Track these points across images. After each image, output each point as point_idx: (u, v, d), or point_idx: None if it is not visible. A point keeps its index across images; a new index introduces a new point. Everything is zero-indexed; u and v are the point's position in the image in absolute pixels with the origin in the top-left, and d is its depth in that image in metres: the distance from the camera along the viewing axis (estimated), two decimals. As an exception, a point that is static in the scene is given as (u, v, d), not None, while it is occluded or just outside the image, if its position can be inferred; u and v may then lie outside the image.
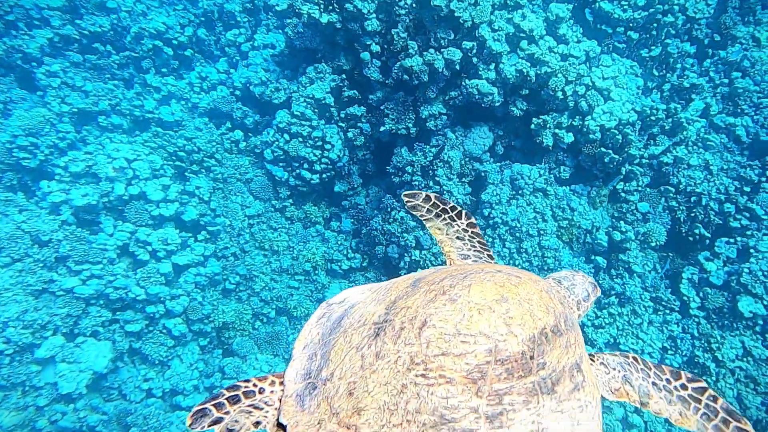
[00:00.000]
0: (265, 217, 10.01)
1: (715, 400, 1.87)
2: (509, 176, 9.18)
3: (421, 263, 9.12)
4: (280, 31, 10.26)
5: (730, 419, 1.80)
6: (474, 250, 2.56)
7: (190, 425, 1.58)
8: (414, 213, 2.72)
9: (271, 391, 1.78)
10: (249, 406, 1.70)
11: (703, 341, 8.20)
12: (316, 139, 9.55)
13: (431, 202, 2.68)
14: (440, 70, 8.86)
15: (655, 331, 8.52)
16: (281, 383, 1.78)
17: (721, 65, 9.75)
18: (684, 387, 1.94)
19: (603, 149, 8.68)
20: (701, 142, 9.25)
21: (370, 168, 10.45)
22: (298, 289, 9.88)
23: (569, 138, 8.89)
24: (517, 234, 8.82)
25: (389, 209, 9.75)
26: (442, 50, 8.89)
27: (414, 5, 8.71)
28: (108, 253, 8.00)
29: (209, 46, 10.37)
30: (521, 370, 1.53)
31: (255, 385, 1.77)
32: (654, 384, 1.96)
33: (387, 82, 9.41)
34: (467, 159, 9.58)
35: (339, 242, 10.24)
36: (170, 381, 8.57)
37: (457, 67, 8.97)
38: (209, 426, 1.59)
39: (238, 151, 10.09)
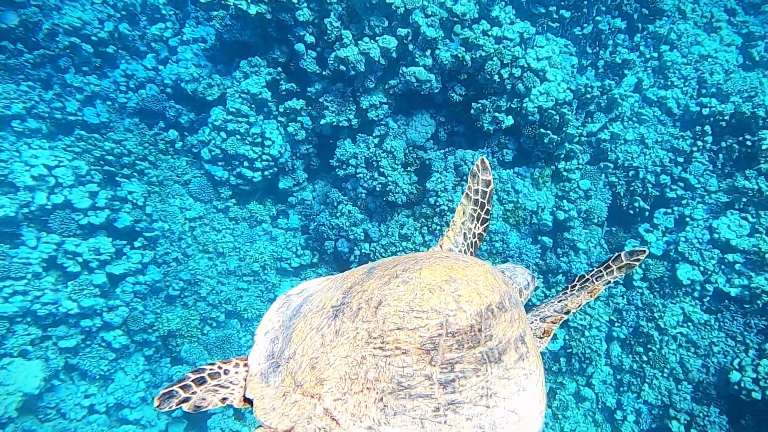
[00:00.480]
0: (208, 219, 9.65)
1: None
2: (453, 163, 9.15)
3: (371, 256, 8.99)
4: (211, 24, 9.86)
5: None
6: (460, 243, 2.71)
7: (157, 406, 1.64)
8: (469, 182, 2.75)
9: (236, 372, 1.86)
10: (215, 385, 1.78)
11: (646, 311, 8.42)
12: (255, 136, 9.25)
13: (486, 186, 2.70)
14: (376, 59, 8.72)
15: (602, 305, 8.69)
16: (245, 365, 1.87)
17: (651, 39, 10.00)
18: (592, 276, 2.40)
19: (542, 130, 8.75)
20: (636, 116, 9.48)
21: (314, 162, 10.23)
22: (247, 291, 9.59)
23: (509, 121, 8.93)
24: (464, 219, 8.80)
25: (336, 203, 9.57)
26: (377, 38, 8.75)
27: (345, -7, 8.54)
28: (32, 267, 7.50)
29: (134, 41, 9.84)
30: (470, 341, 1.66)
31: (220, 368, 1.85)
32: (564, 294, 2.41)
33: (324, 73, 9.20)
34: (411, 148, 9.49)
35: (287, 240, 9.99)
36: (114, 395, 8.16)
37: (394, 55, 8.85)
38: (177, 405, 1.65)
39: (174, 151, 9.66)
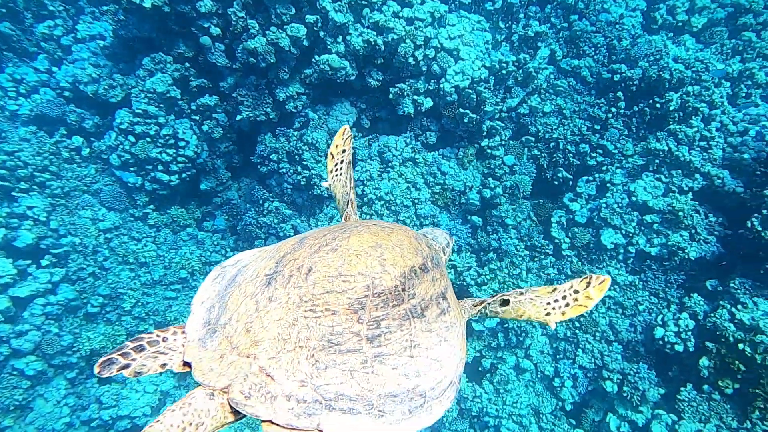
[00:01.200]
0: (125, 229, 9.11)
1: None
2: (377, 150, 9.02)
3: (302, 250, 8.75)
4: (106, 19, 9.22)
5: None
6: (345, 208, 2.83)
7: (98, 373, 1.68)
8: (331, 159, 2.92)
9: (174, 340, 1.91)
10: (154, 352, 1.83)
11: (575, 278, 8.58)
12: (167, 137, 8.77)
13: (344, 153, 2.89)
14: (287, 48, 8.41)
15: (534, 277, 8.82)
16: (183, 332, 1.93)
17: (560, 9, 10.15)
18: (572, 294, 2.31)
19: (461, 110, 8.74)
20: (552, 88, 9.62)
21: (236, 159, 9.85)
22: (176, 299, 9.16)
23: (428, 103, 8.87)
24: (393, 207, 8.71)
25: (262, 201, 9.26)
26: (285, 27, 8.44)
27: (247, -20, 8.18)
28: None
29: (20, 41, 9.07)
30: (395, 300, 1.82)
31: (158, 335, 1.91)
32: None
33: (235, 66, 8.81)
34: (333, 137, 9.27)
35: (215, 242, 9.60)
36: (34, 424, 7.61)
37: (305, 43, 8.57)
38: (117, 371, 1.69)
39: (81, 159, 9.03)
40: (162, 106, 8.77)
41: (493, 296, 2.28)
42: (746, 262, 7.59)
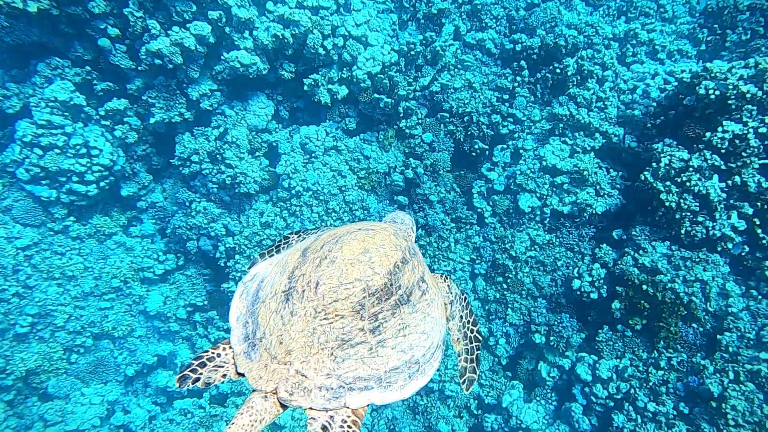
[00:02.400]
0: (45, 244, 8.78)
1: (476, 348, 2.88)
2: (299, 142, 9.11)
3: (237, 248, 8.80)
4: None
5: (472, 365, 2.84)
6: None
7: (179, 387, 2.20)
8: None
9: (225, 354, 2.37)
10: (214, 366, 2.31)
11: (499, 244, 9.18)
12: (77, 147, 8.45)
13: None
14: (193, 48, 8.28)
15: (462, 247, 9.33)
16: (230, 347, 2.39)
17: (460, -18, 10.47)
18: (472, 327, 2.91)
19: (376, 95, 8.96)
20: (460, 63, 10.00)
21: (156, 161, 9.63)
22: (112, 308, 9.05)
23: (344, 91, 9.02)
24: (321, 197, 8.88)
25: (188, 202, 9.19)
26: (189, 25, 8.29)
27: (141, -20, 7.91)
28: None
29: None
30: (386, 295, 2.28)
31: (213, 352, 2.37)
32: (460, 316, 2.92)
33: (141, 68, 8.56)
34: (254, 132, 9.28)
35: (145, 247, 9.45)
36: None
37: (212, 40, 8.46)
38: (192, 384, 2.19)
39: (-18, 177, 8.56)
40: (67, 114, 8.41)
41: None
42: (644, 210, 8.39)
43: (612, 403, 7.72)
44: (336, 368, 2.18)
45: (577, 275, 8.42)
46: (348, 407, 2.18)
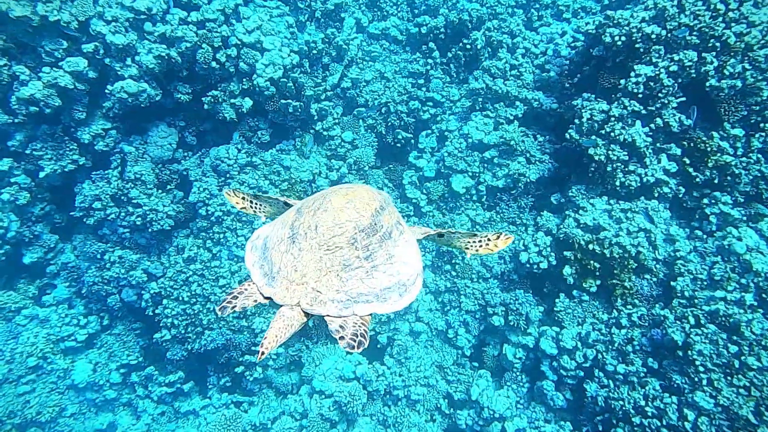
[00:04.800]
0: (-55, 335, 7.85)
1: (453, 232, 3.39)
2: (210, 165, 8.48)
3: (163, 292, 8.08)
4: None
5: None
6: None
7: (221, 314, 2.71)
8: (242, 209, 3.67)
9: (251, 288, 2.84)
10: (244, 297, 2.80)
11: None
12: (-39, 220, 7.57)
13: (242, 198, 3.64)
14: (71, 86, 7.55)
15: (403, 242, 8.87)
16: (252, 283, 2.86)
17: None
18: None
19: (283, 101, 8.42)
20: (367, 55, 9.58)
21: (58, 219, 8.78)
22: (33, 391, 8.13)
23: (248, 103, 8.45)
24: (244, 218, 8.27)
25: (100, 254, 8.40)
26: (62, 64, 7.54)
27: (-7, 23, 7.13)
28: None
29: None
30: (372, 231, 2.78)
31: (241, 288, 2.85)
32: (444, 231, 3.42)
33: (18, 120, 7.74)
34: (160, 165, 8.58)
35: (62, 314, 8.59)
36: None
37: (91, 74, 7.74)
38: (231, 311, 2.71)
39: None
40: (-59, 187, 7.52)
41: (434, 230, 3.32)
42: (577, 169, 8.16)
43: (582, 373, 7.42)
44: (342, 286, 2.67)
45: (523, 247, 8.10)
46: (356, 314, 2.69)
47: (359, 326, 2.67)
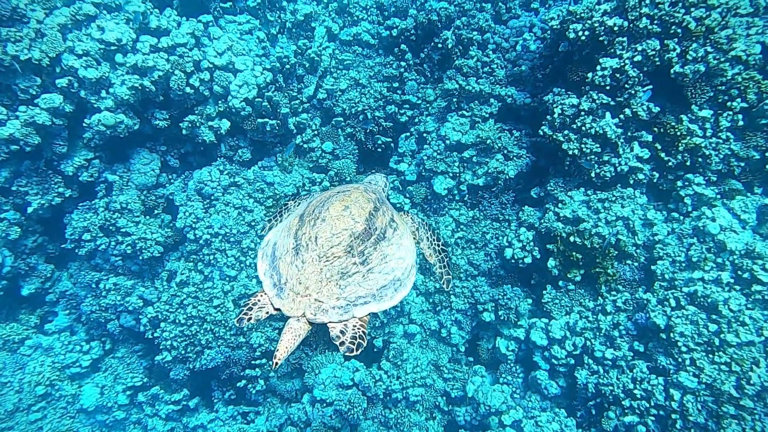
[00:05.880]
0: (-48, 377, 8.04)
1: (445, 256, 4.24)
2: (194, 188, 8.60)
3: (159, 316, 8.25)
4: None
5: (446, 269, 4.23)
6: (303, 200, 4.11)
7: (239, 325, 3.09)
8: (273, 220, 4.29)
9: (263, 299, 3.24)
10: (258, 309, 3.19)
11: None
12: (-46, 264, 7.72)
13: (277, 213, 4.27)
14: (48, 123, 7.65)
15: (391, 246, 9.03)
16: (264, 295, 3.26)
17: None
18: (437, 242, 4.32)
19: (260, 120, 8.53)
20: (340, 64, 9.66)
21: (52, 249, 8.94)
22: (45, 418, 8.37)
23: (225, 125, 8.56)
24: (232, 238, 8.42)
25: (96, 282, 8.56)
26: (38, 101, 7.65)
27: (-35, 68, 7.22)
28: None
29: None
30: (367, 236, 3.17)
31: (255, 299, 3.26)
32: (426, 237, 4.24)
33: (0, 158, 7.86)
34: (146, 191, 8.71)
35: (65, 342, 8.78)
36: None
37: (68, 108, 7.85)
38: (248, 322, 3.11)
39: None
40: (-68, 233, 7.67)
41: (421, 252, 3.91)
42: (554, 162, 8.30)
43: (573, 361, 7.64)
44: (342, 293, 3.02)
45: (507, 244, 8.28)
46: (355, 317, 3.05)
47: (358, 328, 3.03)
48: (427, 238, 4.19)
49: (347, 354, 2.90)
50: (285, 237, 3.33)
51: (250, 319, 3.14)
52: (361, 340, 3.01)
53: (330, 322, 3.03)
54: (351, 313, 3.03)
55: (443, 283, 4.12)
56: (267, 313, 3.16)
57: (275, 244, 3.41)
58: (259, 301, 3.25)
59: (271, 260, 3.32)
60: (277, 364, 2.90)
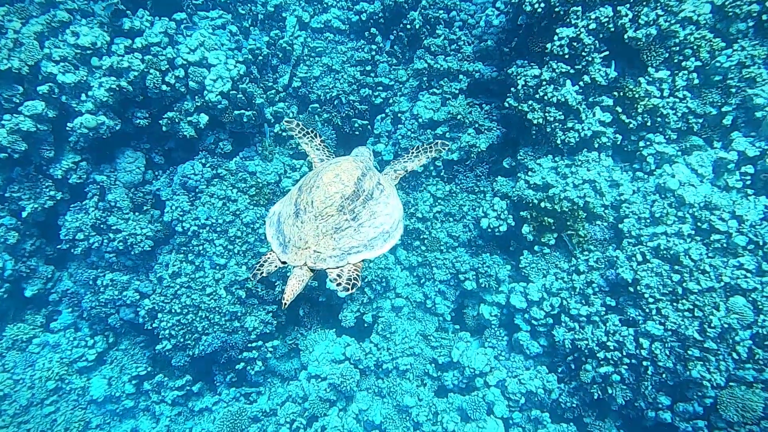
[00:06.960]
0: (-35, 377, 8.48)
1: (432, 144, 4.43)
2: (179, 183, 8.93)
3: (156, 307, 8.64)
4: None
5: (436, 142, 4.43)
6: (325, 155, 4.46)
7: (253, 280, 3.69)
8: (294, 135, 4.53)
9: (272, 256, 3.68)
10: (269, 264, 3.66)
11: (405, 211, 9.27)
12: (-44, 270, 8.10)
13: (301, 128, 4.50)
14: (33, 129, 7.96)
15: (373, 225, 9.37)
16: (272, 252, 3.67)
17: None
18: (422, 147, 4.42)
19: (237, 112, 8.81)
20: (313, 51, 9.90)
21: (50, 250, 9.31)
22: (58, 410, 8.83)
23: (204, 119, 8.83)
24: (219, 229, 8.77)
25: (94, 280, 8.95)
26: (21, 108, 7.94)
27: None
28: None
29: None
30: (356, 196, 3.49)
31: (266, 257, 3.72)
32: (404, 160, 4.39)
33: (-9, 168, 8.19)
34: (133, 189, 9.05)
35: (70, 338, 9.20)
36: None
37: (51, 114, 8.14)
38: (261, 276, 3.59)
39: None
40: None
41: (400, 171, 4.24)
42: (523, 132, 8.59)
43: (551, 320, 8.02)
44: (336, 245, 3.42)
45: (483, 214, 8.60)
46: (350, 263, 3.46)
47: (352, 272, 3.46)
48: (410, 160, 4.39)
49: (343, 293, 3.35)
50: (287, 206, 3.73)
51: (262, 273, 3.63)
52: (355, 281, 3.41)
53: (328, 268, 3.44)
54: (346, 260, 3.42)
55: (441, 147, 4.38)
56: (275, 267, 3.63)
57: (279, 213, 3.82)
58: (268, 258, 3.70)
59: (277, 225, 3.74)
60: (285, 304, 3.37)
